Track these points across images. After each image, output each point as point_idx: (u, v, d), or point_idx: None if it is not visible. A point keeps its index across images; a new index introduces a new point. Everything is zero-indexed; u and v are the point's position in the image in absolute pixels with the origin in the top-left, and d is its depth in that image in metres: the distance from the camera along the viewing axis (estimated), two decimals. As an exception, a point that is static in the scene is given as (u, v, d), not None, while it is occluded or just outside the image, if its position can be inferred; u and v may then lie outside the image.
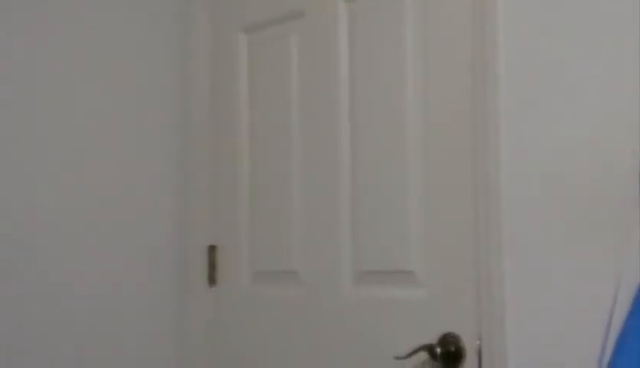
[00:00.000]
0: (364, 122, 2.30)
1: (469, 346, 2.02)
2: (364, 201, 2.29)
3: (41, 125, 2.55)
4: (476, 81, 2.03)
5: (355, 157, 2.32)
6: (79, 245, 2.58)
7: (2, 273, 2.45)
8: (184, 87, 2.81)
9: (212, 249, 2.73)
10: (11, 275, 2.47)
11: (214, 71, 2.77)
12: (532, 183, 1.92)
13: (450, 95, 2.09)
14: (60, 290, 2.53)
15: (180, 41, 2.80)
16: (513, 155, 1.95)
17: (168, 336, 2.73)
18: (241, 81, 2.67)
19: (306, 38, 2.47)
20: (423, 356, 2.09)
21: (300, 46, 2.49)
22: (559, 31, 1.87)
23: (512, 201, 1.95)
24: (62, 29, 2.59)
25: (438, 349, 2.05)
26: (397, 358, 2.10)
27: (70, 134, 2.59)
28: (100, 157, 2.63)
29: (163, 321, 2.73)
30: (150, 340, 2.69)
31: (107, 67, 2.66)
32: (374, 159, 2.27)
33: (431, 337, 2.09)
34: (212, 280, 2.73)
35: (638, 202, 1.66)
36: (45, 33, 2.56)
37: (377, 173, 2.26)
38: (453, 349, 2.04)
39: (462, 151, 2.06)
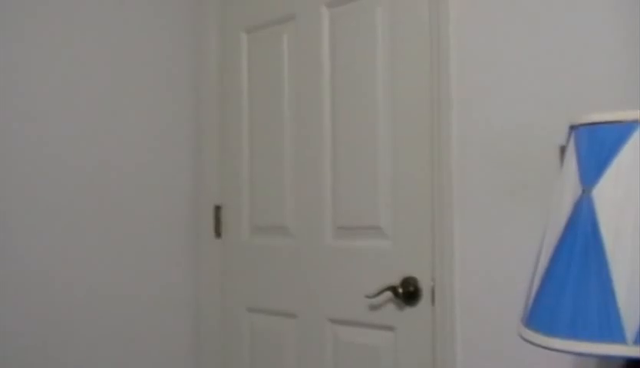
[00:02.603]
0: (343, 106, 2.30)
1: (425, 286, 2.06)
2: (342, 170, 2.30)
3: (73, 104, 2.51)
4: (432, 75, 2.04)
5: (335, 135, 2.32)
6: (116, 204, 2.59)
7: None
8: (197, 77, 2.80)
9: (217, 208, 2.75)
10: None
11: (221, 64, 2.75)
12: (477, 156, 1.93)
13: (413, 85, 2.10)
14: (97, 244, 2.53)
15: (194, 39, 2.80)
16: (462, 134, 1.97)
17: (184, 278, 2.74)
18: (243, 72, 2.66)
19: (296, 37, 2.46)
20: (388, 295, 2.13)
21: (290, 43, 2.48)
22: (498, 35, 1.89)
23: (461, 171, 1.97)
24: (86, 29, 2.54)
25: (400, 290, 2.08)
26: (367, 296, 2.14)
27: (98, 118, 2.56)
28: (130, 140, 2.63)
29: (180, 265, 2.74)
30: (169, 280, 2.70)
31: (132, 63, 2.64)
32: (351, 136, 2.27)
33: (395, 280, 2.13)
34: (217, 233, 2.74)
35: (559, 171, 1.69)
36: (73, 31, 2.51)
37: (353, 148, 2.26)
38: (412, 289, 2.07)
39: (421, 131, 2.07)
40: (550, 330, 1.16)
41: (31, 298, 2.40)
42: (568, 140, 1.27)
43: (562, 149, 1.69)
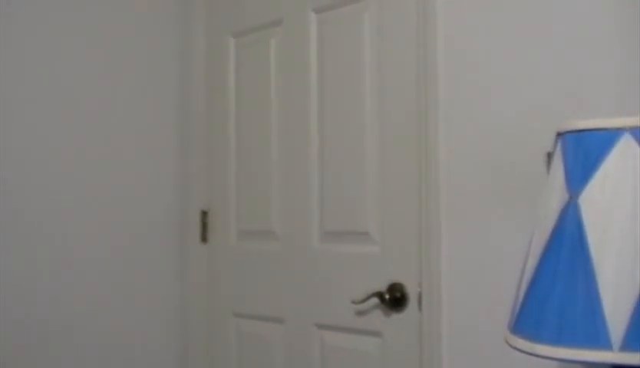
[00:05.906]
0: (330, 111, 2.30)
1: (411, 292, 2.06)
2: (329, 175, 2.30)
3: (63, 109, 2.52)
4: (420, 79, 2.05)
5: (323, 139, 2.32)
6: (103, 208, 2.58)
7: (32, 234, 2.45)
8: (184, 82, 2.80)
9: (204, 213, 2.75)
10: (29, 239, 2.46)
11: (208, 68, 2.75)
12: (465, 163, 1.94)
13: (400, 89, 2.10)
14: (83, 248, 2.53)
15: (181, 43, 2.80)
16: (450, 140, 1.97)
17: (170, 283, 2.74)
18: (230, 76, 2.66)
19: (283, 41, 2.47)
20: (375, 301, 2.13)
21: (278, 48, 2.49)
22: (487, 39, 1.89)
23: (448, 177, 1.97)
24: (78, 31, 2.55)
25: (387, 296, 2.08)
26: (354, 302, 2.14)
27: (86, 122, 2.56)
28: (118, 146, 2.63)
29: (166, 270, 2.73)
30: (155, 285, 2.70)
31: (119, 66, 2.64)
32: (338, 141, 2.27)
33: (381, 285, 2.13)
34: (204, 238, 2.74)
35: (546, 175, 1.69)
36: (61, 35, 2.51)
37: (340, 153, 2.27)
38: (398, 295, 2.07)
39: (409, 137, 2.07)
40: (536, 337, 1.17)
41: (16, 305, 2.39)
42: (555, 147, 1.28)
43: (549, 155, 1.70)
